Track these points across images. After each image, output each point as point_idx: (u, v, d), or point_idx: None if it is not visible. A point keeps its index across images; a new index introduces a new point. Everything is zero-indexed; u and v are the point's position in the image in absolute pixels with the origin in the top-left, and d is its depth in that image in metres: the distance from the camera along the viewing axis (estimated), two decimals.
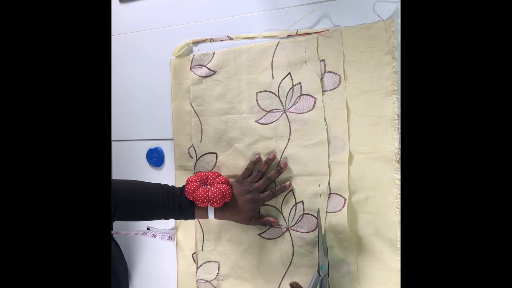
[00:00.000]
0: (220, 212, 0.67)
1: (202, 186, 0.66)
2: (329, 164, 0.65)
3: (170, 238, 0.78)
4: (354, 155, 0.64)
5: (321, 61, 0.66)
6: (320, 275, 0.61)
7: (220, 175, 0.70)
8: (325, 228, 0.65)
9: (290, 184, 0.68)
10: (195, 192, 0.65)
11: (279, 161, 0.69)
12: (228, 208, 0.66)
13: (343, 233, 0.64)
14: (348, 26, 0.64)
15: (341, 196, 0.65)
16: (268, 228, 0.70)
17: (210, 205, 0.65)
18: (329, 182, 0.65)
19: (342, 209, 0.64)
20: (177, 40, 0.77)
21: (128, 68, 0.82)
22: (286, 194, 0.69)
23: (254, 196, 0.67)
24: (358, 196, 0.64)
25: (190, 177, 0.69)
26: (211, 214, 0.67)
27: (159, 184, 0.68)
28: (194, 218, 0.67)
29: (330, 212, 0.65)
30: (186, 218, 0.67)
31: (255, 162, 0.70)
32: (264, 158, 0.70)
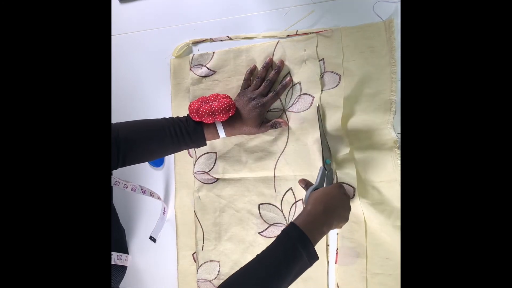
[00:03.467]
0: (230, 127, 0.66)
1: (204, 104, 0.65)
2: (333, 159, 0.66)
3: (159, 198, 0.77)
4: (355, 150, 0.64)
5: (320, 60, 0.66)
6: (326, 169, 0.63)
7: (219, 94, 0.69)
8: (324, 126, 0.65)
9: (291, 80, 0.67)
10: (199, 109, 0.63)
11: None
12: (236, 120, 0.66)
13: (357, 222, 0.64)
14: (348, 26, 0.65)
15: (349, 185, 0.65)
16: (269, 227, 0.71)
17: (216, 119, 0.64)
18: (336, 174, 0.65)
19: (353, 197, 0.64)
20: (177, 40, 0.77)
21: (128, 68, 0.82)
22: (286, 193, 0.69)
23: (258, 101, 0.66)
24: (364, 187, 0.64)
25: (191, 102, 0.67)
26: (221, 132, 0.66)
27: (163, 118, 0.66)
28: (205, 143, 0.66)
29: None
30: (197, 144, 0.66)
31: (252, 71, 0.69)
32: (259, 67, 0.69)
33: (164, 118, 0.66)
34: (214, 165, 0.75)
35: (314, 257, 0.52)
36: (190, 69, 0.76)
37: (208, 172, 0.75)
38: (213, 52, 0.74)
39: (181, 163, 0.78)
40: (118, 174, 0.71)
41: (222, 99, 0.65)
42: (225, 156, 0.74)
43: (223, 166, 0.74)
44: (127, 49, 0.82)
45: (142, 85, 0.81)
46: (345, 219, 0.58)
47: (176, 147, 0.66)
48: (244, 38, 0.72)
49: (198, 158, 0.76)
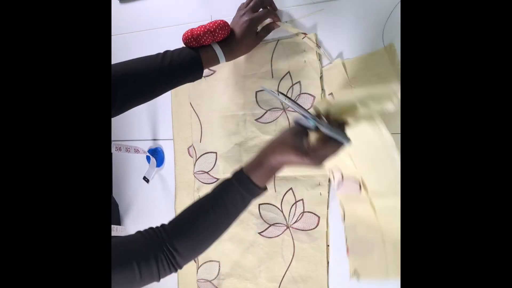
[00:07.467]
0: (228, 49, 0.64)
1: (195, 28, 0.62)
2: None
3: (144, 152, 0.76)
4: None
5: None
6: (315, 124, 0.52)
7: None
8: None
9: (278, 19, 0.67)
10: (193, 33, 0.61)
11: None
12: (232, 41, 0.64)
13: (363, 223, 0.63)
14: (349, 59, 0.63)
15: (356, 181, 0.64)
16: (269, 227, 0.71)
17: (216, 37, 0.62)
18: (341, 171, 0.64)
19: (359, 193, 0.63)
20: (177, 40, 0.77)
21: None
22: (286, 193, 0.69)
23: (249, 16, 0.64)
24: (370, 185, 0.64)
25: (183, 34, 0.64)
26: (221, 56, 0.64)
27: (157, 53, 0.63)
28: (201, 73, 0.64)
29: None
30: (194, 76, 0.64)
31: None
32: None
33: (157, 53, 0.63)
34: (214, 165, 0.75)
35: (244, 182, 0.52)
36: None
37: (209, 172, 0.75)
38: None
39: (181, 163, 0.78)
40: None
41: (213, 21, 0.63)
42: (225, 156, 0.74)
43: (224, 166, 0.74)
44: (127, 49, 0.82)
45: None
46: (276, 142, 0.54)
47: (171, 81, 0.63)
48: None
49: (198, 158, 0.76)
